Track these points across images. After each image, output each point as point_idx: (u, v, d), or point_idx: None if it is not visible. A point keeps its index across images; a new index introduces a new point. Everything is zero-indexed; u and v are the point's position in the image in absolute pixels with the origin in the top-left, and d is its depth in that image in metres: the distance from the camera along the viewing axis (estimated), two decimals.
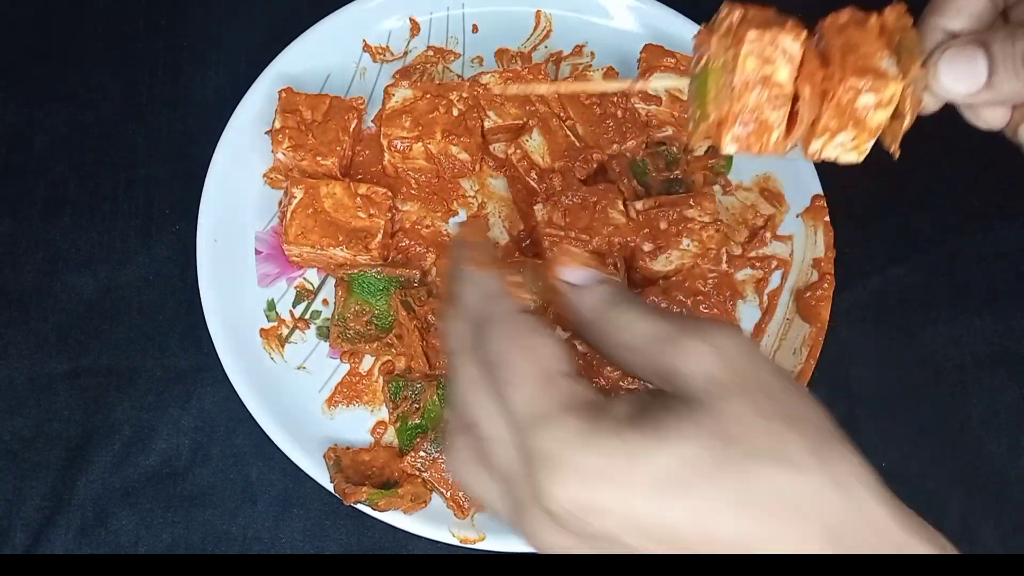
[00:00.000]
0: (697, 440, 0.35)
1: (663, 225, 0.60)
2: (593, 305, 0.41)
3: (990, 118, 0.47)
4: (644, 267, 0.61)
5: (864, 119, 0.44)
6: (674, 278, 0.61)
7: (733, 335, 0.38)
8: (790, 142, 0.45)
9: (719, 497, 0.35)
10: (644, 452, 0.35)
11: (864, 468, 0.36)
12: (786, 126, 0.45)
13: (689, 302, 0.60)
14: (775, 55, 0.43)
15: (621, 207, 0.61)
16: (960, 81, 0.44)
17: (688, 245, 0.60)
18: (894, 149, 0.46)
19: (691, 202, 0.61)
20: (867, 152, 0.46)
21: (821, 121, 0.44)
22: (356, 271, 0.60)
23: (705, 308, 0.61)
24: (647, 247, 0.61)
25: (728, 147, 0.45)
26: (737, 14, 0.44)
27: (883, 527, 0.35)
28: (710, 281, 0.61)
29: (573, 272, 0.42)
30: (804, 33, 0.43)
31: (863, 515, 0.35)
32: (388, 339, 0.59)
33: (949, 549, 0.36)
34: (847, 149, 0.46)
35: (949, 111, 0.46)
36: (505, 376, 0.38)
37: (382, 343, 0.59)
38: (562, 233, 0.60)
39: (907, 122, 0.45)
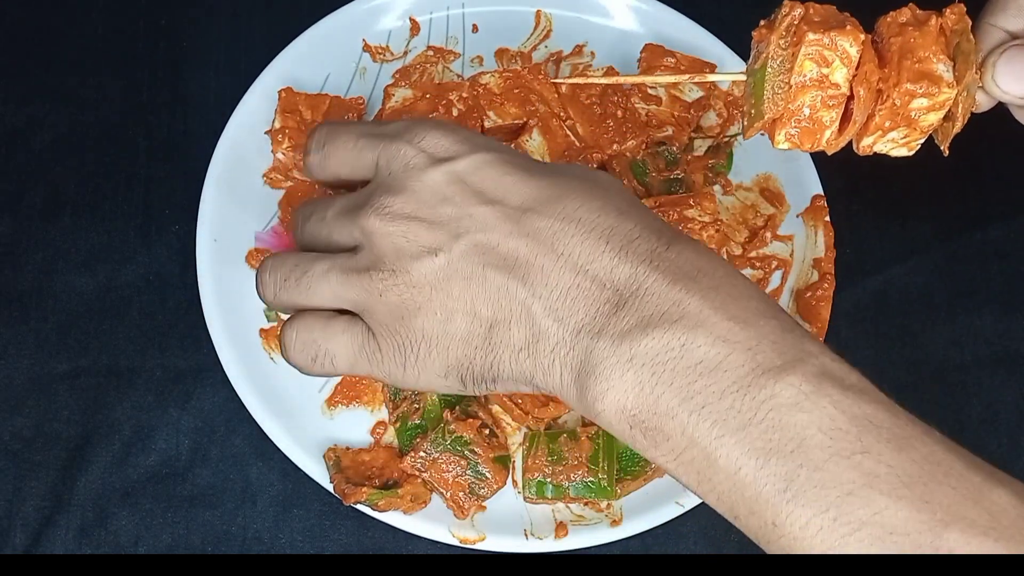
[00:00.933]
0: None
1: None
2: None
3: None
4: None
5: (917, 120, 0.44)
6: None
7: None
8: (843, 140, 0.46)
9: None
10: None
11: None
12: (839, 124, 0.45)
13: None
14: (833, 57, 0.43)
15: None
16: (1017, 83, 0.44)
17: None
18: (944, 148, 0.46)
19: (691, 202, 0.61)
20: (918, 148, 0.46)
21: (874, 120, 0.45)
22: None
23: None
24: None
25: (781, 144, 0.46)
26: (798, 12, 0.44)
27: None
28: None
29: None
30: (863, 35, 0.44)
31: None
32: None
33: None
34: (898, 145, 0.46)
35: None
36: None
37: None
38: None
39: (959, 125, 0.45)
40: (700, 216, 0.61)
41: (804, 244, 0.65)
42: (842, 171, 0.66)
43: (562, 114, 0.64)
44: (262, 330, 0.60)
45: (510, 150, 0.49)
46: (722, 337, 0.40)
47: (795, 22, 0.45)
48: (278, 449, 0.57)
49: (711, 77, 0.57)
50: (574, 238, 0.43)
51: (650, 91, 0.65)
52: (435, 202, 0.46)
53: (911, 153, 0.47)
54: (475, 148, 0.47)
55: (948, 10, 0.45)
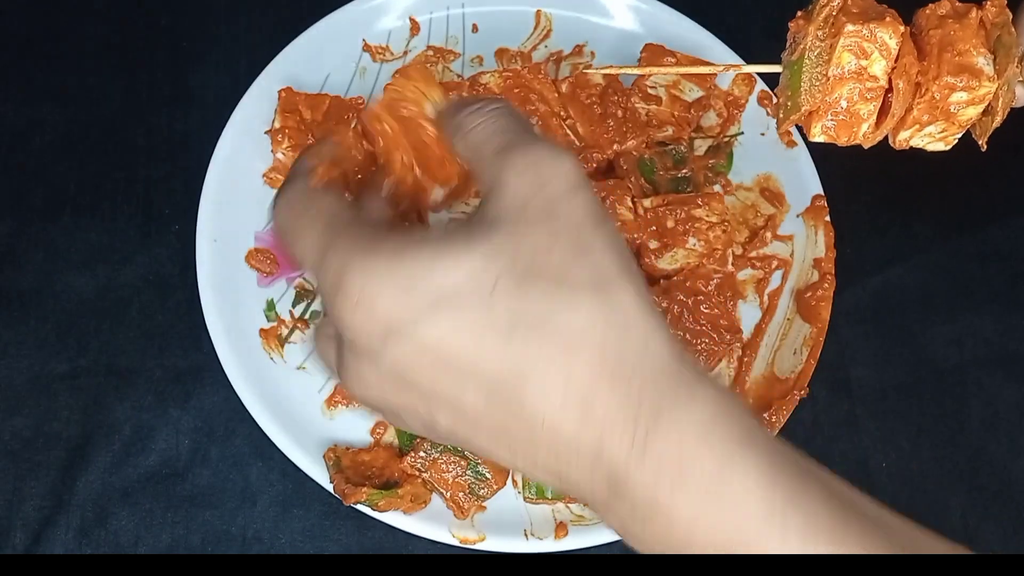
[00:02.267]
0: (484, 258, 0.35)
1: (670, 223, 0.60)
2: (451, 105, 0.40)
3: None
4: (649, 264, 0.61)
5: (955, 114, 0.44)
6: (676, 277, 0.61)
7: (560, 157, 0.37)
8: (880, 134, 0.45)
9: (492, 317, 0.34)
10: (430, 264, 0.35)
11: (644, 300, 0.36)
12: (876, 117, 0.44)
13: (689, 302, 0.60)
14: (872, 49, 0.42)
15: (630, 203, 0.61)
16: None
17: (694, 244, 0.60)
18: (982, 143, 0.46)
19: (699, 201, 0.61)
20: (955, 142, 0.46)
21: (912, 113, 0.44)
22: None
23: (706, 308, 0.61)
24: (653, 244, 0.61)
25: (817, 136, 0.45)
26: (837, 2, 0.43)
27: (657, 356, 0.35)
28: (714, 281, 0.61)
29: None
30: (902, 27, 0.43)
31: (638, 344, 0.35)
32: None
33: (722, 385, 0.36)
34: (935, 139, 0.46)
35: None
36: (291, 240, 0.38)
37: None
38: None
39: (998, 119, 0.44)
40: (708, 216, 0.61)
41: (804, 244, 0.65)
42: (842, 171, 0.66)
43: (562, 113, 0.64)
44: (262, 330, 0.60)
45: None
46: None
47: (833, 12, 0.43)
48: (278, 449, 0.57)
49: (746, 68, 0.55)
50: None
51: (650, 91, 0.65)
52: None
53: (948, 148, 0.46)
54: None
55: (988, 3, 0.44)
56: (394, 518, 0.56)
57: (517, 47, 0.69)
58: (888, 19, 0.43)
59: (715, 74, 0.65)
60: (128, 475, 0.58)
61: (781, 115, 0.46)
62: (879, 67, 0.43)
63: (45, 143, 0.66)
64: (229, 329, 0.59)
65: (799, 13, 0.46)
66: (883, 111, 0.44)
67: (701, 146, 0.66)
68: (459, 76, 0.67)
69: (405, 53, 0.68)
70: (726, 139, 0.67)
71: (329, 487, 0.56)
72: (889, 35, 0.42)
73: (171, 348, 0.61)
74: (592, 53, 0.69)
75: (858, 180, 0.67)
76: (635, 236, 0.61)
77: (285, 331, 0.61)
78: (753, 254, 0.64)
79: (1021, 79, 0.44)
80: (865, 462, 0.61)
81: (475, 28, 0.69)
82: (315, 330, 0.41)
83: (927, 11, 0.45)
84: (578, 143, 0.64)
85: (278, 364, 0.60)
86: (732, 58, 0.67)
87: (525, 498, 0.57)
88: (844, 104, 0.43)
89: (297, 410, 0.58)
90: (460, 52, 0.68)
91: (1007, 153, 0.69)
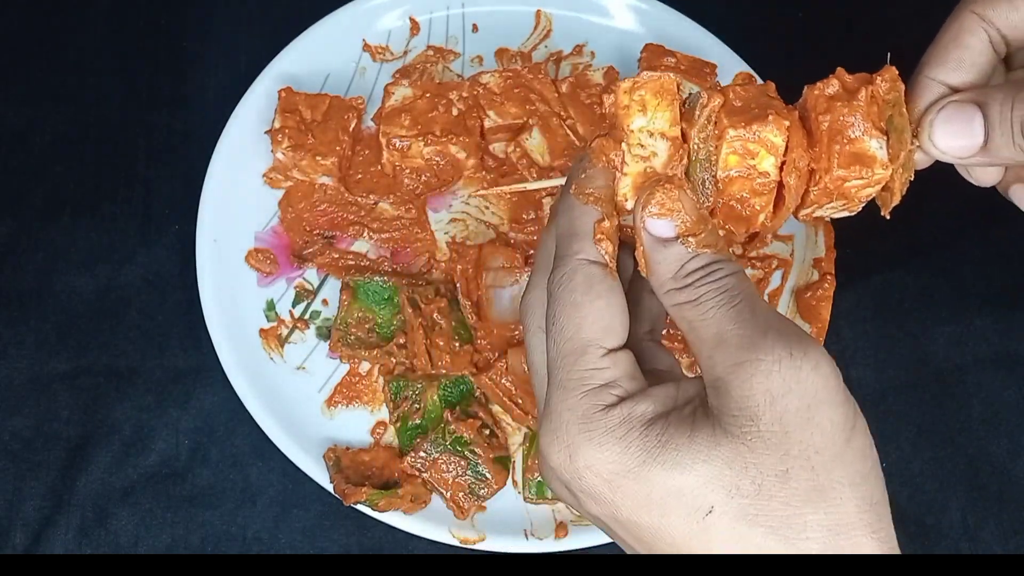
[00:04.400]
0: (699, 481, 0.33)
1: None
2: (669, 267, 0.38)
3: (982, 176, 0.45)
4: None
5: (853, 194, 0.43)
6: None
7: (801, 371, 0.33)
8: (779, 222, 0.44)
9: (699, 545, 0.33)
10: (640, 470, 0.34)
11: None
12: (773, 209, 0.43)
13: None
14: (758, 149, 0.41)
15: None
16: (955, 143, 0.41)
17: None
18: (885, 214, 0.45)
19: None
20: (859, 210, 0.45)
21: (810, 195, 0.43)
22: (362, 277, 0.60)
23: None
24: None
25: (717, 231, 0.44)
26: (717, 102, 0.41)
27: None
28: None
29: (658, 224, 0.38)
30: (787, 121, 0.41)
31: None
32: (388, 348, 0.59)
33: None
34: (838, 210, 0.45)
35: None
36: (551, 327, 0.37)
37: (382, 351, 0.59)
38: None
39: (896, 199, 0.43)
40: None
41: (804, 244, 0.65)
42: None
43: (562, 113, 0.65)
44: (262, 330, 0.60)
45: None
46: None
47: (714, 113, 0.41)
48: (278, 449, 0.57)
49: (531, 185, 0.55)
50: None
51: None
52: None
53: (852, 214, 0.45)
54: None
55: (879, 76, 0.42)
56: (394, 518, 0.56)
57: (517, 47, 0.69)
58: (771, 117, 0.40)
59: (714, 74, 0.65)
60: (128, 475, 0.58)
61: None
62: (768, 163, 0.41)
63: (45, 143, 0.66)
64: (229, 329, 0.59)
65: (681, 111, 0.42)
66: (779, 197, 0.43)
67: None
68: (459, 76, 0.67)
69: (405, 53, 0.68)
70: None
71: (329, 487, 0.56)
72: (774, 134, 0.40)
73: (171, 348, 0.61)
74: (592, 53, 0.69)
75: None
76: None
77: (285, 331, 0.61)
78: (753, 254, 0.64)
79: (918, 146, 0.42)
80: None
81: (475, 28, 0.69)
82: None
83: (815, 91, 0.42)
84: (578, 143, 0.64)
85: (278, 364, 0.60)
86: (732, 58, 0.67)
87: (525, 498, 0.57)
88: (738, 204, 0.42)
89: (297, 410, 0.58)
90: (460, 52, 0.68)
91: None
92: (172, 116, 0.67)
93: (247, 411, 0.58)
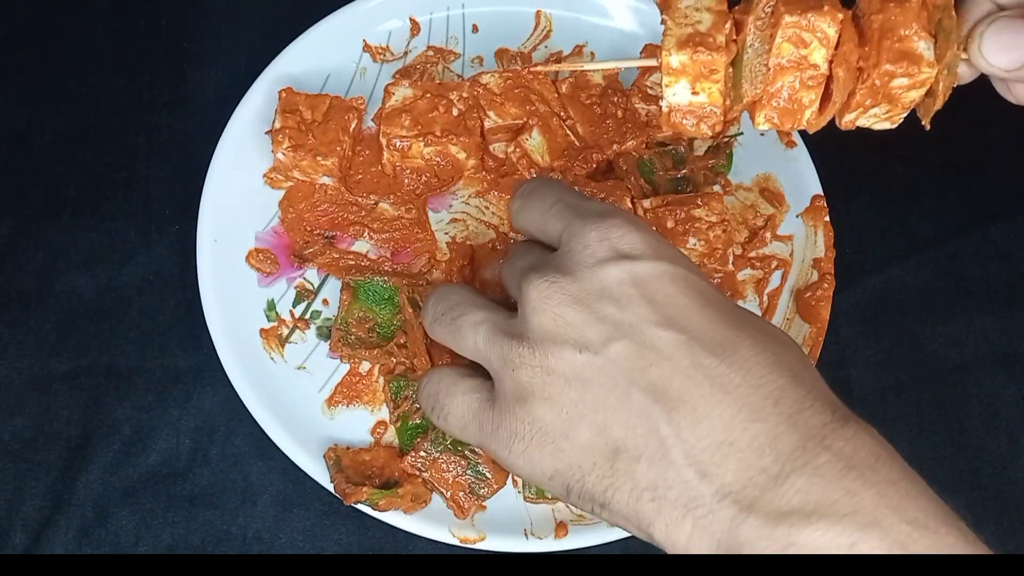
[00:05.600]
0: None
1: (670, 224, 0.60)
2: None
3: (1022, 94, 0.46)
4: None
5: (898, 97, 0.44)
6: None
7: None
8: (823, 120, 0.45)
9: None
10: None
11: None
12: (820, 103, 0.45)
13: None
14: (811, 39, 0.42)
15: (629, 204, 0.61)
16: (1003, 56, 0.42)
17: (694, 244, 0.60)
18: (926, 123, 0.46)
19: (699, 201, 0.61)
20: (900, 121, 0.46)
21: (855, 97, 0.44)
22: (362, 277, 0.60)
23: None
24: None
25: (761, 124, 0.45)
26: None
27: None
28: (715, 281, 0.62)
29: None
30: (841, 14, 0.42)
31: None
32: (389, 348, 0.59)
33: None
34: (880, 119, 0.46)
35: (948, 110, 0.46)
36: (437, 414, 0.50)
37: (383, 351, 0.59)
38: None
39: (940, 102, 0.44)
40: (707, 216, 0.61)
41: (804, 244, 0.65)
42: (842, 171, 0.66)
43: (562, 114, 0.65)
44: (262, 330, 0.60)
45: (694, 269, 0.44)
46: (899, 542, 0.36)
47: (772, 2, 0.44)
48: (278, 449, 0.57)
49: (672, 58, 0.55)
50: (739, 389, 0.39)
51: (650, 91, 0.65)
52: (600, 297, 0.42)
53: (894, 126, 0.46)
54: (659, 255, 0.43)
55: None
56: (394, 518, 0.56)
57: (517, 47, 0.69)
58: (827, 7, 0.42)
59: None
60: (128, 475, 0.58)
61: (727, 103, 0.46)
62: (819, 55, 0.43)
63: (45, 143, 0.66)
64: (229, 329, 0.59)
65: (738, 5, 0.46)
66: (826, 96, 0.44)
67: (701, 146, 0.66)
68: (459, 76, 0.67)
69: (405, 53, 0.68)
70: (726, 139, 0.67)
71: (329, 487, 0.56)
72: (828, 24, 0.42)
73: (171, 348, 0.61)
74: (592, 54, 0.69)
75: (858, 180, 0.67)
76: None
77: (285, 331, 0.61)
78: (753, 254, 0.64)
79: (965, 58, 0.44)
80: None
81: (475, 28, 0.69)
82: (421, 378, 0.52)
83: None
84: (578, 143, 0.64)
85: (278, 364, 0.60)
86: None
87: (525, 498, 0.57)
88: (786, 93, 0.44)
89: (297, 410, 0.58)
90: (460, 52, 0.68)
91: (1007, 153, 0.69)
92: (172, 116, 0.67)
93: (247, 411, 0.58)
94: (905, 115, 0.45)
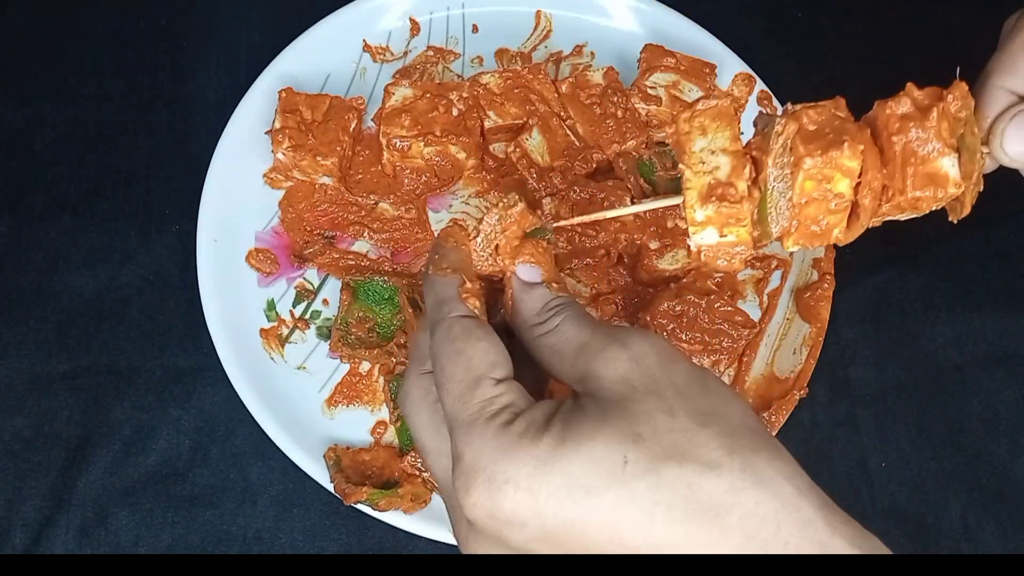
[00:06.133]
0: (605, 443, 0.35)
1: (670, 224, 0.61)
2: (534, 305, 0.43)
3: None
4: (650, 265, 0.61)
5: (923, 208, 0.44)
6: (684, 280, 0.61)
7: (647, 338, 0.39)
8: (852, 235, 0.45)
9: (628, 500, 0.35)
10: (554, 457, 0.36)
11: (786, 462, 0.36)
12: (847, 224, 0.44)
13: (703, 303, 0.60)
14: (833, 174, 0.42)
15: (628, 204, 0.61)
16: None
17: None
18: (952, 219, 0.45)
19: None
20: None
21: (881, 209, 0.44)
22: (362, 277, 0.60)
23: (718, 305, 0.60)
24: (654, 245, 0.61)
25: (791, 248, 0.45)
26: (792, 128, 0.43)
27: (806, 524, 0.35)
28: (716, 280, 0.62)
29: (528, 269, 0.44)
30: (861, 146, 0.42)
31: (784, 512, 0.34)
32: (389, 348, 0.59)
33: (879, 549, 0.35)
34: (905, 216, 0.45)
35: None
36: (441, 380, 0.40)
37: (383, 351, 0.59)
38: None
39: (966, 210, 0.44)
40: None
41: None
42: None
43: (562, 114, 0.65)
44: (262, 330, 0.60)
45: None
46: None
47: (790, 139, 0.43)
48: (278, 449, 0.57)
49: (647, 206, 0.52)
50: None
51: (650, 91, 0.65)
52: None
53: (920, 215, 0.46)
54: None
55: (950, 94, 0.42)
56: (394, 518, 0.56)
57: (517, 47, 0.69)
58: (846, 143, 0.41)
59: (714, 74, 0.66)
60: (128, 475, 0.58)
61: (755, 235, 0.45)
62: (843, 185, 0.42)
63: (45, 143, 0.66)
64: (229, 329, 0.59)
65: (753, 137, 0.45)
66: (853, 213, 0.44)
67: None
68: (459, 76, 0.67)
69: (405, 53, 0.68)
70: None
71: (329, 487, 0.56)
72: (849, 159, 0.42)
73: (171, 348, 0.61)
74: (592, 53, 0.69)
75: None
76: (635, 237, 0.61)
77: (285, 331, 0.61)
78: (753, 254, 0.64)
79: (986, 152, 0.43)
80: (864, 462, 0.61)
81: (475, 28, 0.69)
82: (402, 391, 0.44)
83: (887, 110, 0.43)
84: (578, 143, 0.64)
85: (278, 364, 0.60)
86: (732, 58, 0.67)
87: None
88: (812, 224, 0.43)
89: (297, 410, 0.58)
90: (460, 52, 0.68)
91: None
92: (172, 116, 0.67)
93: (247, 411, 0.58)
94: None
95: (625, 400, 0.37)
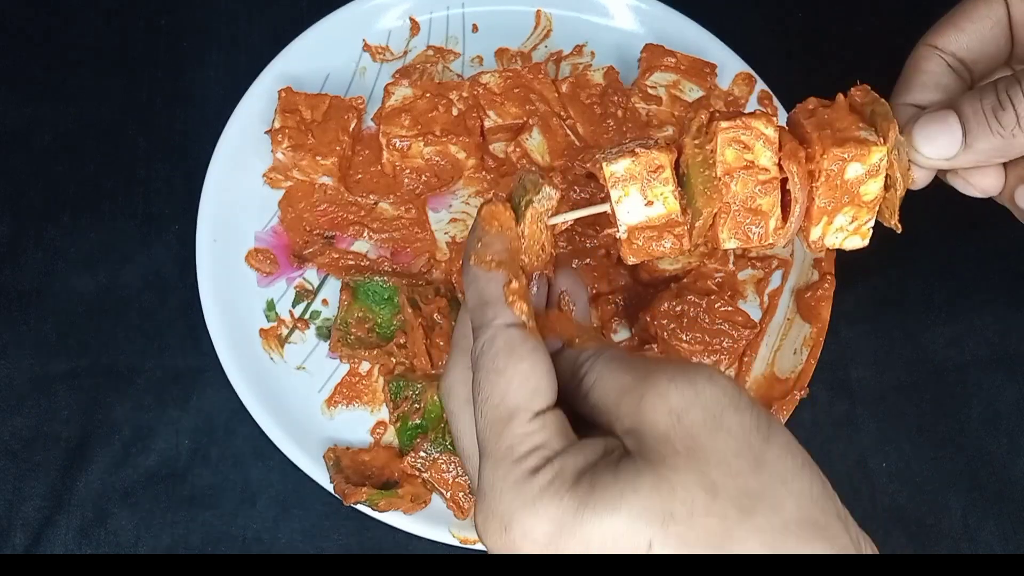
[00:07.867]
0: (631, 519, 0.33)
1: None
2: (564, 371, 0.39)
3: (983, 184, 0.47)
4: (651, 266, 0.61)
5: (857, 193, 0.44)
6: (685, 280, 0.61)
7: (693, 385, 0.35)
8: (789, 229, 0.44)
9: None
10: (575, 521, 0.33)
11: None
12: (781, 213, 0.44)
13: (704, 303, 0.60)
14: (752, 140, 0.42)
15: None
16: (938, 145, 0.43)
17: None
18: (894, 223, 0.46)
19: None
20: (870, 234, 0.45)
21: (815, 204, 0.44)
22: (362, 277, 0.60)
23: (719, 305, 0.60)
24: None
25: (728, 243, 0.44)
26: (704, 115, 0.43)
27: None
28: (716, 280, 0.62)
29: (550, 343, 0.41)
30: (776, 119, 0.43)
31: None
32: (389, 348, 0.59)
33: None
34: (849, 233, 0.45)
35: None
36: (477, 398, 0.38)
37: (382, 351, 0.59)
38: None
39: (901, 190, 0.44)
40: None
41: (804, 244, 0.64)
42: None
43: (562, 113, 0.64)
44: (262, 330, 0.60)
45: None
46: None
47: (705, 123, 0.43)
48: (278, 449, 0.57)
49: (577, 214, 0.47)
50: None
51: (650, 91, 0.65)
52: None
53: (865, 242, 0.45)
54: None
55: (853, 90, 0.45)
56: (394, 518, 0.56)
57: (517, 47, 0.69)
58: (758, 113, 0.43)
59: (714, 74, 0.66)
60: (128, 475, 0.58)
61: (689, 229, 0.44)
62: (766, 157, 0.43)
63: (45, 143, 0.66)
64: (229, 329, 0.59)
65: (662, 136, 0.45)
66: (786, 206, 0.44)
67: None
68: (459, 76, 0.67)
69: (405, 53, 0.68)
70: None
71: (329, 487, 0.56)
72: (763, 124, 0.42)
73: (171, 348, 0.61)
74: (592, 53, 0.69)
75: None
76: None
77: (285, 331, 0.61)
78: (753, 254, 0.64)
79: (909, 147, 0.44)
80: (865, 462, 0.61)
81: (475, 28, 0.69)
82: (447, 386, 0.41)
83: (796, 110, 0.45)
84: (578, 143, 0.64)
85: (278, 364, 0.60)
86: (732, 58, 0.67)
87: None
88: (743, 197, 0.43)
89: (297, 410, 0.58)
90: (460, 52, 0.68)
91: None
92: (172, 116, 0.67)
93: (247, 411, 0.58)
94: (872, 221, 0.45)
95: (663, 467, 0.33)
